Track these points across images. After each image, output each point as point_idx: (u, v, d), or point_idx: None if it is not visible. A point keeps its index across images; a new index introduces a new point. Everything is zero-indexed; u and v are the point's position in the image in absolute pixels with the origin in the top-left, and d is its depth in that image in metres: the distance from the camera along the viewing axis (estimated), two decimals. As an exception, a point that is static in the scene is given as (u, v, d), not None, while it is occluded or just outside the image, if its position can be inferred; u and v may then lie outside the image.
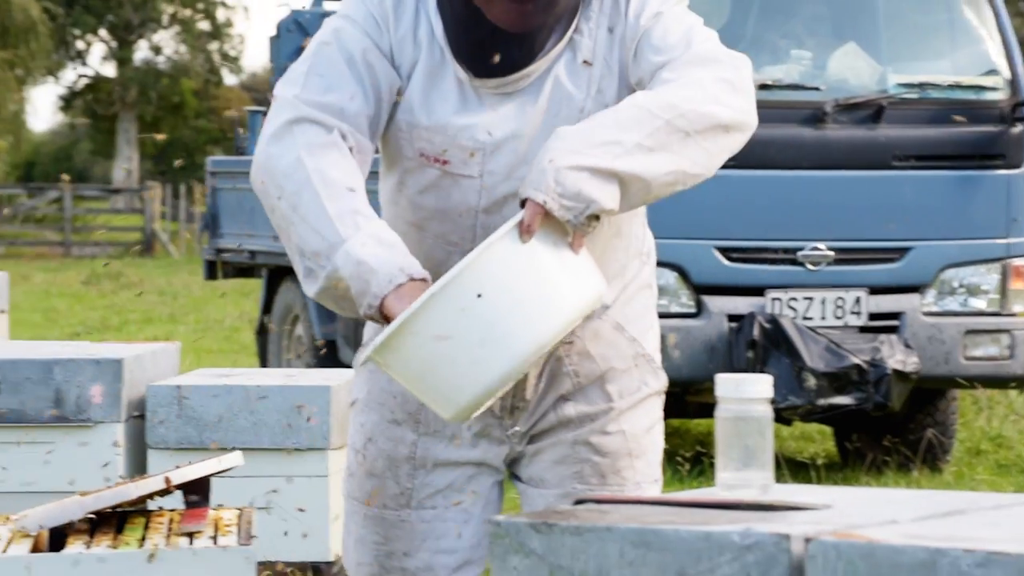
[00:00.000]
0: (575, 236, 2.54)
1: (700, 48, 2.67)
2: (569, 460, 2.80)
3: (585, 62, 2.71)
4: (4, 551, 2.88)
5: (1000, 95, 7.81)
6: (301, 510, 4.21)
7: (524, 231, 2.50)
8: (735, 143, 2.64)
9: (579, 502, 2.21)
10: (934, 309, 7.74)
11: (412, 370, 2.54)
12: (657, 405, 2.88)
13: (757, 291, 7.53)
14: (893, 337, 7.54)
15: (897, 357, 7.45)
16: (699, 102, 2.59)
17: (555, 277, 2.55)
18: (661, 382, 2.88)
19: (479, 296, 2.50)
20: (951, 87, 7.76)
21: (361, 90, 2.68)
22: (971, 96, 7.81)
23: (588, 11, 2.73)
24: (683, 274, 7.51)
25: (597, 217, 2.54)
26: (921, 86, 7.74)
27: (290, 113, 2.65)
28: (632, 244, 2.84)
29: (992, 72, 7.85)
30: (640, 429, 2.84)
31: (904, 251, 7.64)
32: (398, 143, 2.75)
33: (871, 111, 7.60)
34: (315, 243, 2.59)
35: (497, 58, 2.69)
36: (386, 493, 2.83)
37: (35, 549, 2.90)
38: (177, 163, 31.44)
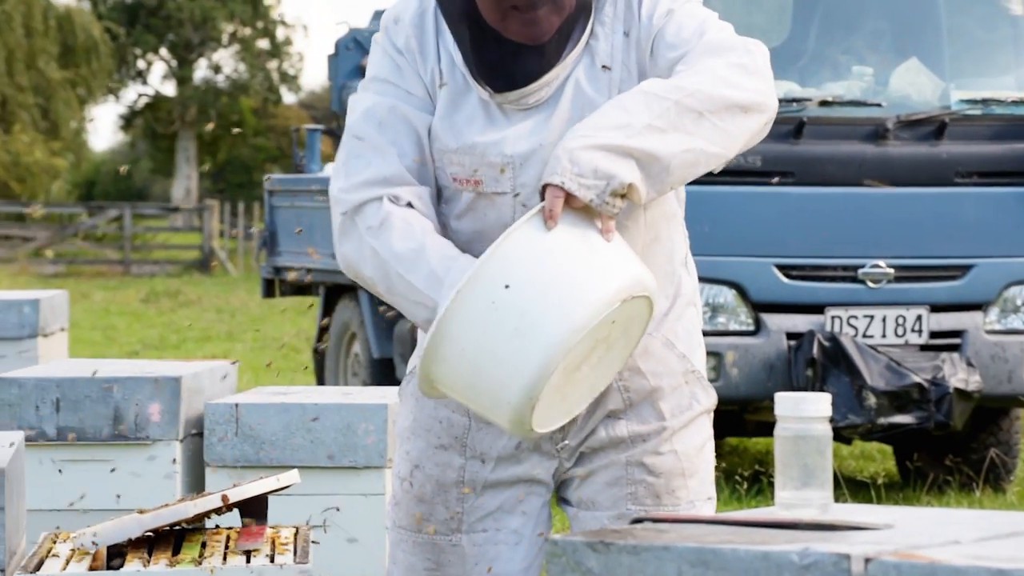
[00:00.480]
0: (603, 220, 2.54)
1: (712, 37, 2.68)
2: (622, 482, 2.78)
3: (604, 67, 2.73)
4: (64, 568, 2.89)
5: (1063, 111, 7.74)
6: (352, 540, 4.21)
7: (548, 217, 2.51)
8: (755, 123, 2.63)
9: (636, 521, 2.20)
10: (997, 327, 7.67)
11: (461, 378, 2.51)
12: (708, 423, 2.87)
13: (817, 309, 7.48)
14: (955, 355, 7.47)
15: (959, 376, 7.38)
16: (709, 84, 2.59)
17: (584, 261, 2.53)
18: (711, 399, 2.86)
19: (506, 287, 2.48)
20: (1015, 103, 7.70)
21: (396, 149, 2.73)
22: (1034, 112, 7.74)
23: (602, 15, 2.75)
24: (741, 291, 7.47)
25: (622, 196, 2.54)
26: (984, 102, 7.68)
27: (343, 207, 2.72)
28: (675, 252, 2.83)
29: (1056, 88, 7.78)
30: (692, 448, 2.82)
31: (966, 268, 7.57)
32: (435, 174, 2.78)
33: (933, 127, 7.55)
34: (424, 315, 2.66)
35: (516, 71, 2.70)
36: (436, 518, 2.81)
37: (94, 566, 2.91)
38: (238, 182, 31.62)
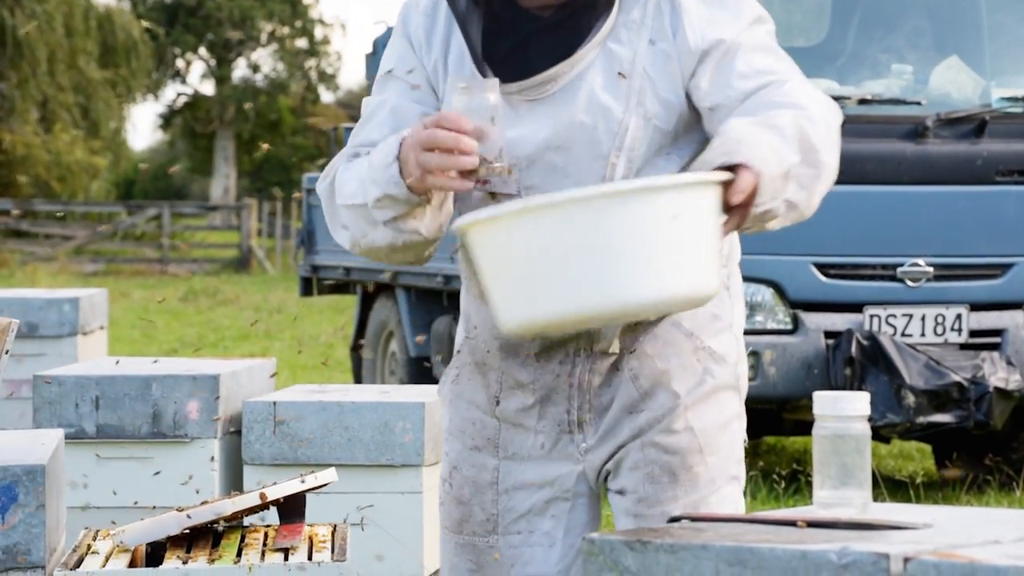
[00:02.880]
0: (730, 224, 2.46)
1: (803, 86, 2.63)
2: (641, 463, 2.75)
3: (621, 74, 2.66)
4: (103, 566, 2.90)
5: (1104, 108, 7.68)
6: (389, 538, 4.21)
7: (737, 192, 2.40)
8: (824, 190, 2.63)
9: (674, 520, 2.19)
10: (1037, 326, 7.62)
11: (501, 256, 2.37)
12: (730, 400, 2.78)
13: (855, 307, 7.45)
14: (995, 354, 7.43)
15: (999, 375, 7.34)
16: (826, 150, 2.56)
17: (706, 247, 2.40)
18: (730, 375, 2.77)
19: (674, 217, 2.34)
20: (1055, 101, 7.65)
21: (384, 132, 2.71)
22: (1075, 110, 7.69)
23: (628, 19, 2.68)
24: (779, 290, 7.45)
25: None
26: (1025, 100, 7.64)
27: (322, 195, 2.75)
28: None
29: (1096, 85, 7.73)
30: (711, 425, 2.75)
31: (1006, 267, 7.53)
32: None
33: (973, 125, 7.51)
34: (355, 218, 2.67)
35: (527, 58, 2.64)
36: (475, 520, 2.81)
37: (133, 564, 2.92)
38: (275, 191, 31.71)
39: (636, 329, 2.72)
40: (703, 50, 2.65)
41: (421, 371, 9.42)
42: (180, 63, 42.22)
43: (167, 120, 43.60)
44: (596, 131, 2.66)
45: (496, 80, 2.57)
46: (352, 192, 2.66)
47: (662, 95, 2.67)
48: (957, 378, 7.28)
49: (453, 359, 2.86)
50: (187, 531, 2.99)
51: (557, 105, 2.67)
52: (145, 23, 35.29)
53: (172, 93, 49.64)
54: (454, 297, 9.38)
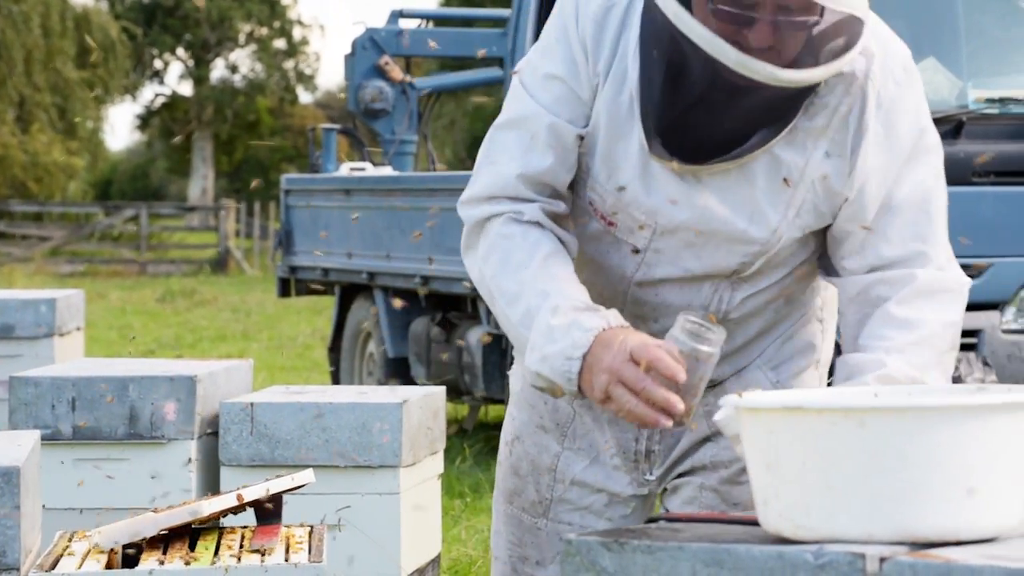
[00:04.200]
0: None
1: (932, 278, 2.52)
2: (695, 504, 2.68)
3: (785, 180, 2.50)
4: (79, 567, 2.89)
5: (1080, 110, 7.71)
6: (367, 539, 4.21)
7: None
8: None
9: (651, 520, 2.19)
10: (1014, 327, 7.64)
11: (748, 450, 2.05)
12: None
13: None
14: (971, 355, 7.45)
15: (975, 375, 7.36)
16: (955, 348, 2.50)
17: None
18: None
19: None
20: (1031, 102, 7.68)
21: (548, 159, 2.54)
22: (1051, 111, 7.72)
23: (811, 125, 2.49)
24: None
25: None
26: (1001, 101, 7.66)
27: (468, 223, 2.58)
28: (797, 309, 2.68)
29: (1073, 87, 7.75)
30: None
31: (983, 268, 7.55)
32: (575, 180, 2.60)
33: (951, 126, 7.53)
34: (520, 342, 2.51)
35: (701, 138, 2.46)
36: (526, 498, 2.76)
37: (109, 565, 2.91)
38: (254, 184, 31.67)
39: (722, 363, 2.58)
40: (861, 187, 2.50)
41: (399, 372, 9.41)
42: (158, 63, 42.14)
43: (145, 121, 43.50)
44: (747, 233, 2.53)
45: (723, 332, 2.38)
46: (509, 308, 2.47)
47: (821, 210, 2.54)
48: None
49: None
50: (164, 532, 2.98)
51: (714, 189, 2.52)
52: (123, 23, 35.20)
53: (150, 94, 49.50)
54: (432, 299, 9.37)
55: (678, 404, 2.33)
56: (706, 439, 2.68)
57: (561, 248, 2.54)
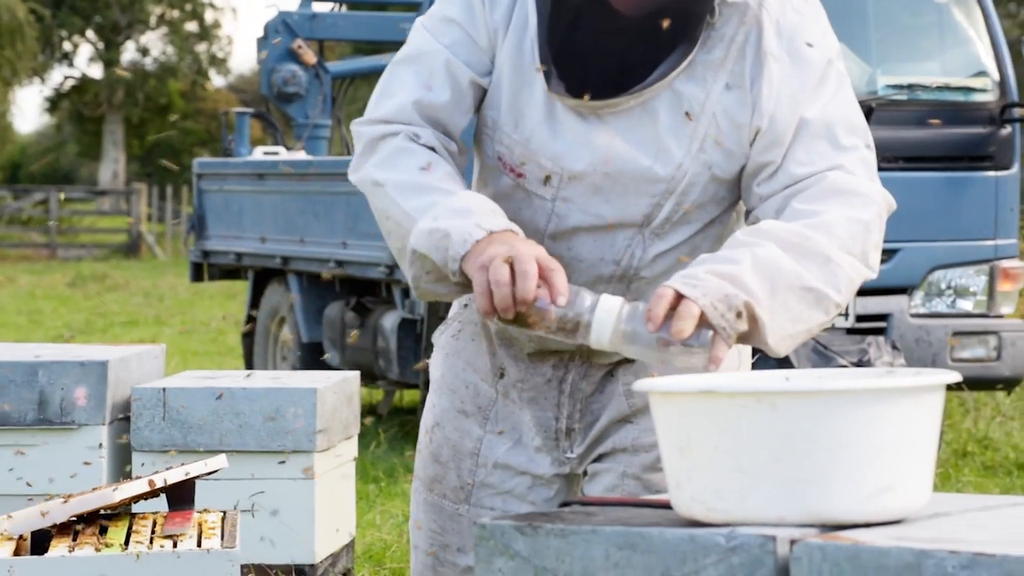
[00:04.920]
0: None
1: (840, 180, 2.48)
2: (618, 492, 2.67)
3: (687, 114, 2.50)
4: (-14, 554, 2.86)
5: (989, 97, 7.81)
6: (280, 525, 4.20)
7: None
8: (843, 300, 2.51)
9: (565, 504, 2.20)
10: (922, 311, 7.73)
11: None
12: None
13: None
14: (880, 339, 7.53)
15: (884, 359, 7.44)
16: (823, 281, 2.42)
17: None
18: None
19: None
20: (940, 89, 7.76)
21: (445, 94, 2.53)
22: (960, 98, 7.81)
23: (709, 58, 2.50)
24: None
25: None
26: (910, 87, 7.74)
27: (361, 141, 2.56)
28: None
29: (981, 74, 7.85)
30: None
31: (892, 252, 7.63)
32: (481, 138, 2.61)
33: (859, 113, 7.59)
34: (399, 237, 2.49)
35: (601, 74, 2.46)
36: (447, 484, 2.74)
37: (18, 552, 2.88)
38: (165, 162, 31.44)
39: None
40: (772, 116, 2.50)
41: (313, 357, 9.38)
42: (67, 46, 41.66)
43: (54, 103, 43.00)
44: (651, 170, 2.52)
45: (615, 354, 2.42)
46: (404, 198, 2.46)
47: (727, 145, 2.52)
48: (844, 362, 7.37)
49: (457, 311, 2.75)
50: (74, 519, 2.96)
51: (617, 126, 2.51)
52: (30, 4, 34.75)
53: (59, 76, 48.97)
54: (346, 283, 9.34)
55: (530, 295, 2.32)
56: (626, 419, 2.68)
57: (459, 173, 2.55)
